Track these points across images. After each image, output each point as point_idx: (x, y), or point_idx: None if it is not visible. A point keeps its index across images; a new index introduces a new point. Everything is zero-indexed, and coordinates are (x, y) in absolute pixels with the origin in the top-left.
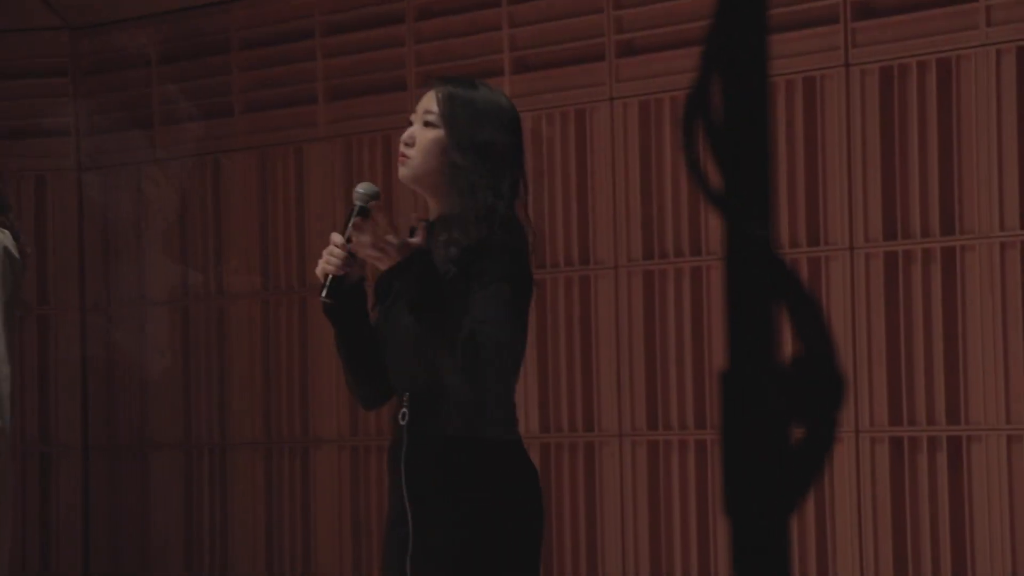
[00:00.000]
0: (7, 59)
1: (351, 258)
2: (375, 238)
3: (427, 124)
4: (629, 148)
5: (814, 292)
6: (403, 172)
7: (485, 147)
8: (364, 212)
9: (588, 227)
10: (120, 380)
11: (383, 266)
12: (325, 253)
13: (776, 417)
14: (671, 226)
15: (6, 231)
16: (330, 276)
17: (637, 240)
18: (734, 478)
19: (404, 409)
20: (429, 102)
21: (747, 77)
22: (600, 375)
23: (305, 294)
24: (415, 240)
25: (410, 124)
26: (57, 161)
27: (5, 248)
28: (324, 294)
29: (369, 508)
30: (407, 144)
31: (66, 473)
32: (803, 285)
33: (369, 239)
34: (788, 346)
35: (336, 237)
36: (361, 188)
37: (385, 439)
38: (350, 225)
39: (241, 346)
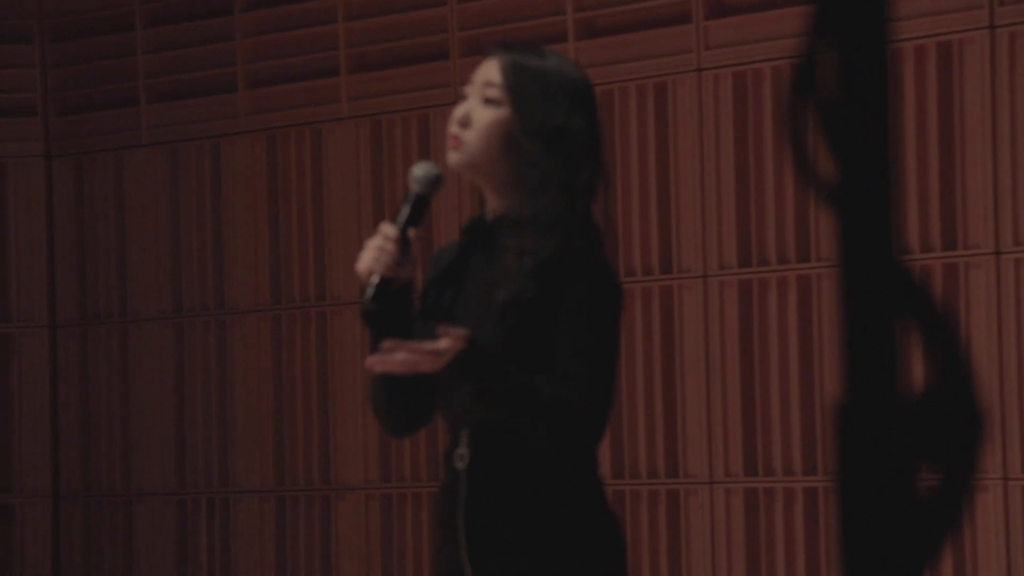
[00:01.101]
0: None
1: (404, 256)
2: (409, 351)
3: (488, 101)
4: (721, 130)
5: (950, 306)
6: (455, 157)
7: (559, 132)
8: (422, 201)
9: (670, 227)
10: (98, 414)
11: (427, 372)
12: (372, 247)
13: (903, 459)
14: (772, 227)
15: None
16: (377, 276)
17: (731, 244)
18: (852, 533)
19: (463, 450)
20: (490, 73)
21: (866, 42)
22: (686, 408)
23: (324, 308)
24: (449, 343)
25: (462, 99)
26: (21, 146)
27: None
28: (369, 297)
29: (404, 567)
30: (461, 124)
31: (32, 527)
32: (936, 298)
33: (402, 355)
34: (917, 372)
35: (388, 228)
36: (419, 170)
37: (422, 485)
38: (403, 216)
39: (247, 372)
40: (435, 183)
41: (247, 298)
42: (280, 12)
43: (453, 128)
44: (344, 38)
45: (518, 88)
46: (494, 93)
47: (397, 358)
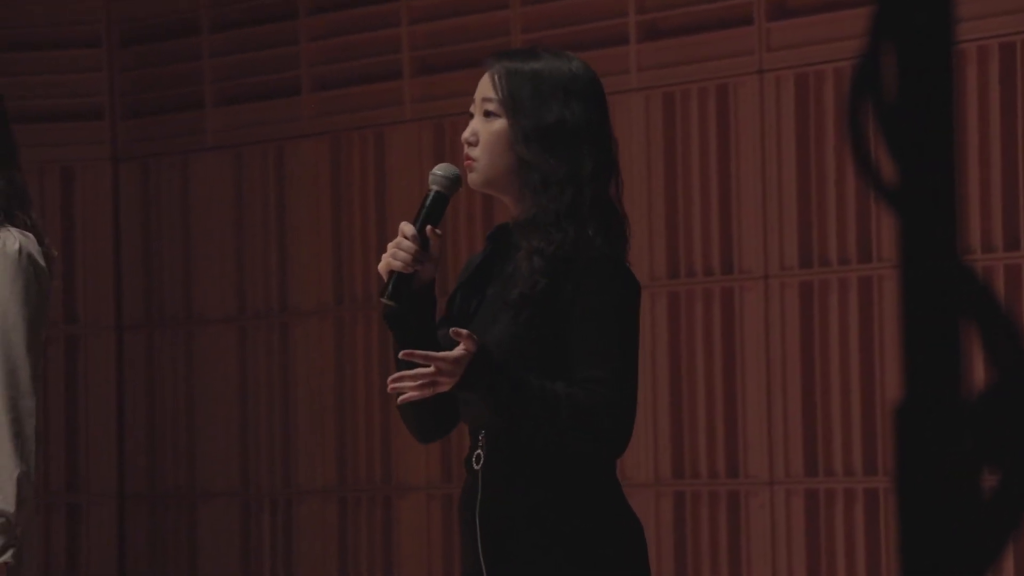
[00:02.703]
0: (29, 26)
1: (423, 253)
2: (422, 376)
3: (488, 115)
4: (782, 131)
5: (1012, 307)
6: (472, 178)
7: (555, 130)
8: (442, 200)
9: (731, 228)
10: (163, 415)
11: (444, 390)
12: (391, 246)
13: (964, 460)
14: (833, 228)
15: (29, 234)
16: (395, 274)
17: (792, 245)
18: (913, 534)
19: (479, 451)
20: (486, 88)
21: (928, 43)
22: (746, 409)
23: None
24: (464, 352)
25: (469, 118)
26: (88, 149)
27: (29, 255)
28: (387, 294)
29: None
30: (469, 143)
31: (98, 527)
32: (998, 298)
33: (417, 381)
34: (978, 373)
35: (406, 227)
36: (440, 170)
37: None
38: (423, 215)
39: (310, 373)
40: (455, 182)
41: (310, 300)
42: (344, 16)
43: (465, 149)
44: (407, 41)
45: (511, 95)
46: (491, 107)
47: (412, 383)
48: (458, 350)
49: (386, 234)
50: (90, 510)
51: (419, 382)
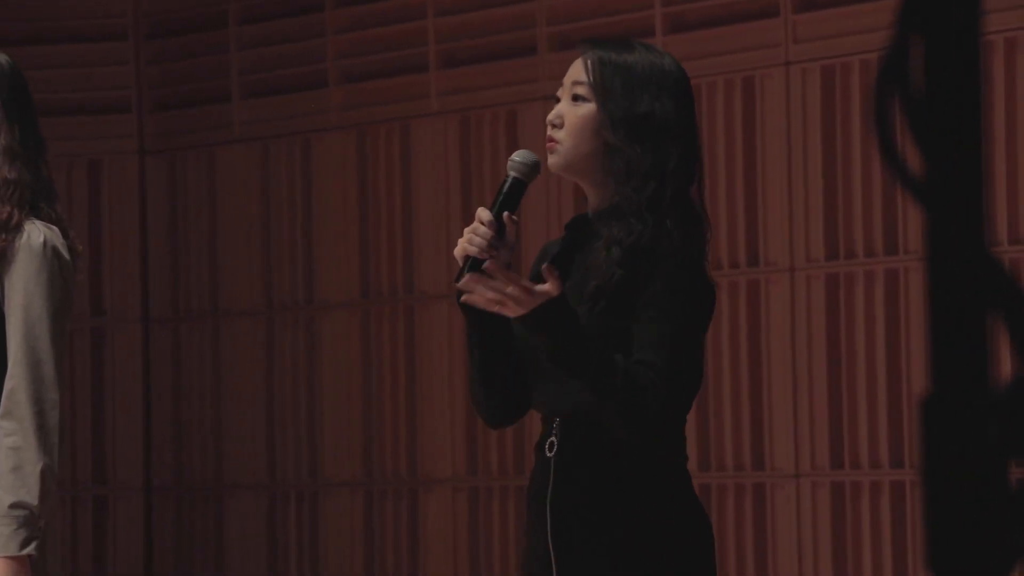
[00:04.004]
0: (55, 19)
1: (499, 240)
2: (496, 291)
3: (576, 98)
4: (808, 124)
5: None
6: (552, 160)
7: (644, 120)
8: (520, 186)
9: (757, 220)
10: (190, 408)
11: (509, 314)
12: (467, 231)
13: (992, 452)
14: (860, 220)
15: (54, 227)
16: (470, 259)
17: (818, 237)
18: (940, 528)
19: (552, 438)
20: (577, 72)
21: (955, 34)
22: (772, 401)
23: (412, 302)
24: (546, 288)
25: (557, 100)
26: (115, 143)
27: (54, 248)
28: (460, 278)
29: (491, 560)
30: (554, 125)
31: (124, 520)
32: (1023, 290)
33: (488, 293)
34: (1005, 365)
35: (483, 213)
36: (518, 156)
37: (510, 479)
38: (500, 201)
39: (336, 366)
40: (533, 169)
41: (336, 292)
42: (370, 9)
43: (548, 130)
44: (434, 34)
45: (603, 82)
46: (582, 91)
47: (481, 294)
48: (541, 286)
49: (412, 227)
50: (117, 503)
51: (490, 294)
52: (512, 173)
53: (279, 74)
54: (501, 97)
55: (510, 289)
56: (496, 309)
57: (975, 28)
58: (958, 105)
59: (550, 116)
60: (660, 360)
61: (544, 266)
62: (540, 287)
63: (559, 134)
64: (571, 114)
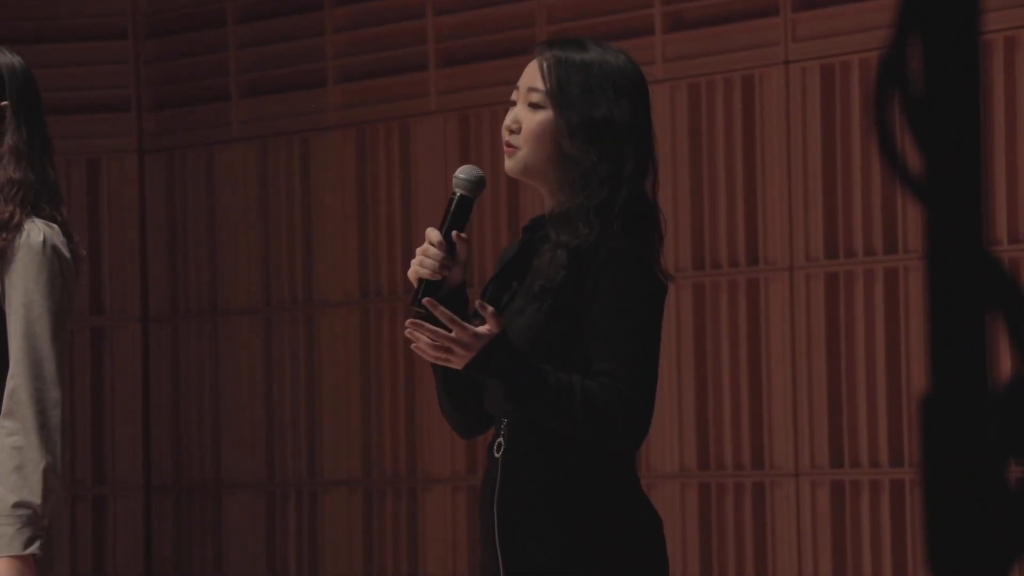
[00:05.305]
0: (55, 18)
1: (450, 259)
2: (435, 336)
3: (532, 105)
4: (808, 123)
5: None
6: (509, 165)
7: (601, 125)
8: (467, 203)
9: (757, 220)
10: (189, 407)
11: (455, 367)
12: (419, 252)
13: (991, 451)
14: (859, 219)
15: (55, 226)
16: (424, 281)
17: (817, 235)
18: (939, 527)
19: (500, 439)
20: (532, 76)
21: (955, 33)
22: (772, 400)
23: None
24: (485, 329)
25: (511, 104)
26: (114, 141)
27: (54, 246)
28: (416, 301)
29: None
30: (511, 131)
31: (124, 519)
32: (1022, 289)
33: (428, 339)
34: (1005, 364)
35: (433, 234)
36: (463, 173)
37: None
38: (448, 220)
39: (335, 365)
40: (479, 185)
41: (335, 291)
42: (369, 8)
43: (504, 135)
44: (433, 33)
45: (559, 88)
46: (537, 97)
47: (422, 340)
48: (482, 327)
49: (412, 225)
50: (116, 502)
51: (436, 341)
52: (458, 190)
53: (278, 73)
54: (500, 96)
55: (453, 333)
56: (442, 361)
57: (974, 27)
58: (957, 104)
59: (507, 121)
60: (623, 370)
61: (477, 303)
62: (480, 329)
63: (516, 140)
64: (528, 120)
